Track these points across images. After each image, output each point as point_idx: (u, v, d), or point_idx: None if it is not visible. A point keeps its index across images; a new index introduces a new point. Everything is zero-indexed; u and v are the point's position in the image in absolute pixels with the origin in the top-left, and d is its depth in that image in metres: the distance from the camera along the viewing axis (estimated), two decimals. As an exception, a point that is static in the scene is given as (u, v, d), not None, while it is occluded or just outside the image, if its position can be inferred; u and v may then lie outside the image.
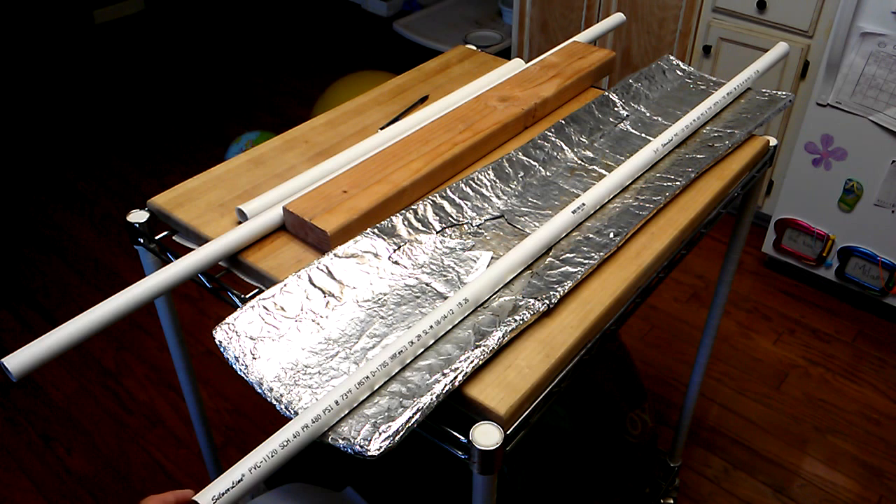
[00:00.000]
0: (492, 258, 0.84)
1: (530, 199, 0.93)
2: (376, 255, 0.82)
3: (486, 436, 0.65)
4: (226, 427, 1.75)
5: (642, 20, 2.25)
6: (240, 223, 0.90)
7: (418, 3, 3.68)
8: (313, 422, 0.63)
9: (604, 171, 0.98)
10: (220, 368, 1.89)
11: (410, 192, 0.93)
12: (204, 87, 3.17)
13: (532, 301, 0.76)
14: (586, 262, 0.82)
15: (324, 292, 0.78)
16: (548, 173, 0.98)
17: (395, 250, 0.83)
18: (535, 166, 0.98)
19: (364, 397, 0.67)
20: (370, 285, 0.80)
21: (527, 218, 0.90)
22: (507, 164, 0.96)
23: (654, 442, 1.49)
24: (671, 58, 1.21)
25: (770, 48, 1.17)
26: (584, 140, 1.04)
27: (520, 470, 1.18)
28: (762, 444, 1.70)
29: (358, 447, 0.63)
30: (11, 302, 2.10)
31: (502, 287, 0.79)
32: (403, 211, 0.87)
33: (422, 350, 0.71)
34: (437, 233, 0.87)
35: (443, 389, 0.66)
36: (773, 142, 1.08)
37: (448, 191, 0.91)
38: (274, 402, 0.68)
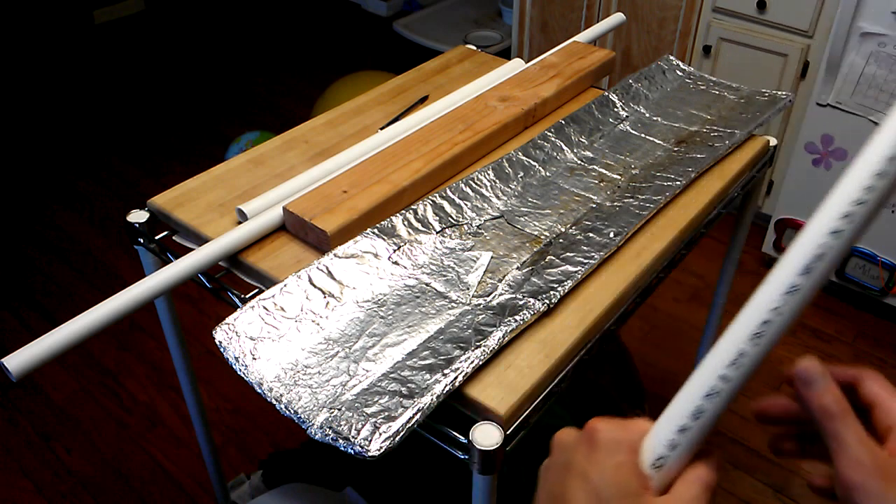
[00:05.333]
0: (491, 258, 0.84)
1: (530, 200, 0.93)
2: (376, 256, 0.82)
3: (486, 436, 0.65)
4: (226, 427, 1.75)
5: (642, 20, 2.25)
6: (240, 223, 0.90)
7: (418, 3, 3.68)
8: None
9: (604, 171, 0.98)
10: (220, 368, 1.89)
11: (410, 192, 0.92)
12: (204, 87, 3.17)
13: (532, 301, 0.76)
14: (586, 261, 0.82)
15: (324, 292, 0.78)
16: (547, 173, 0.98)
17: (395, 250, 0.83)
18: (534, 166, 0.98)
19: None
20: (370, 285, 0.79)
21: (526, 218, 0.90)
22: (506, 165, 0.96)
23: (654, 442, 1.49)
24: (671, 58, 1.21)
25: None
26: (583, 140, 1.04)
27: (520, 470, 1.18)
28: (762, 444, 1.70)
29: (358, 447, 0.63)
30: (11, 302, 2.10)
31: (502, 286, 0.79)
32: (403, 211, 0.87)
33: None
34: (437, 233, 0.87)
35: (443, 389, 0.66)
36: (773, 142, 1.08)
37: (448, 191, 0.91)
38: (274, 402, 0.68)
